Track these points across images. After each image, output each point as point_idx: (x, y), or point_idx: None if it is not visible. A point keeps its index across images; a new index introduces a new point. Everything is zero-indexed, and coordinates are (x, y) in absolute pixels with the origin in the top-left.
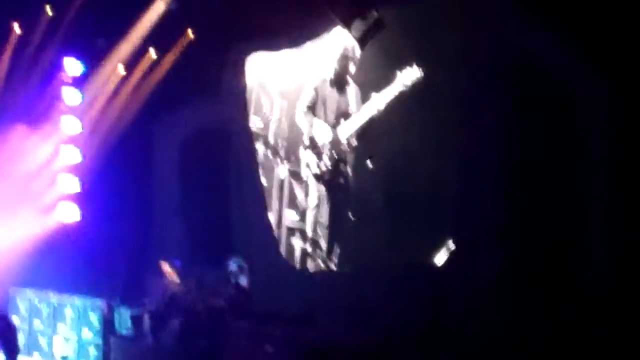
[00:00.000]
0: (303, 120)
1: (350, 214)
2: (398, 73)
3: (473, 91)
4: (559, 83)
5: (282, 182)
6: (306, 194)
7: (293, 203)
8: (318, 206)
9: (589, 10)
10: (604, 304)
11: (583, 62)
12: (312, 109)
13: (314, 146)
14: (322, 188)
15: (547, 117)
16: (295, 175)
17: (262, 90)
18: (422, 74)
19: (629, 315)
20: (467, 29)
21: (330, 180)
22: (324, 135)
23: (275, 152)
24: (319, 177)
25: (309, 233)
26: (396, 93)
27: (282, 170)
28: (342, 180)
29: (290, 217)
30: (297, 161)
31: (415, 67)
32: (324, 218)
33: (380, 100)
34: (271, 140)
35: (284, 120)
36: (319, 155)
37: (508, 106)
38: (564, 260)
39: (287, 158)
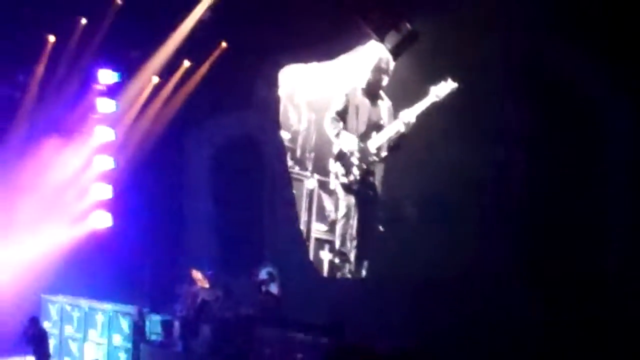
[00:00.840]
0: (330, 127)
1: (379, 226)
2: (432, 87)
3: (503, 104)
4: (585, 95)
5: (311, 193)
6: (335, 206)
7: (321, 215)
8: (347, 217)
9: (616, 27)
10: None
11: (609, 77)
12: (342, 115)
13: (342, 157)
14: (351, 199)
15: (574, 129)
16: (324, 186)
17: (290, 102)
18: (457, 87)
19: None
20: (497, 42)
21: (359, 191)
22: (350, 145)
23: (303, 165)
24: (347, 188)
25: (337, 245)
26: (429, 105)
27: (310, 182)
28: (370, 192)
29: (319, 228)
30: (326, 172)
31: (450, 80)
32: (353, 229)
33: (412, 113)
34: (298, 152)
35: (313, 131)
36: (347, 166)
37: (537, 115)
38: (591, 273)
39: (316, 169)
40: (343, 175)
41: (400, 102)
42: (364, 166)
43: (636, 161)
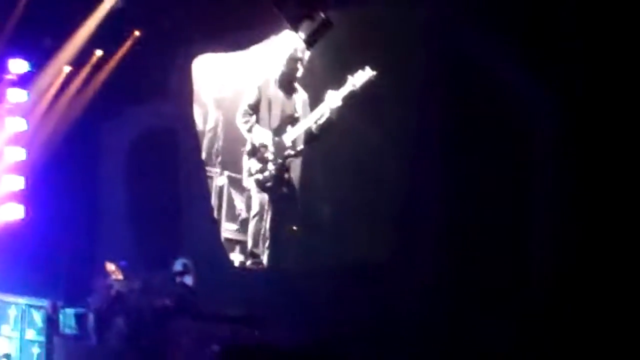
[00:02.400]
0: (241, 122)
1: (293, 226)
2: (349, 77)
3: (420, 95)
4: (505, 90)
5: (220, 191)
6: (247, 205)
7: (232, 214)
8: (259, 215)
9: (537, 19)
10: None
11: (530, 70)
12: (254, 109)
13: (256, 152)
14: (265, 197)
15: (493, 122)
16: (235, 183)
17: (196, 100)
18: (374, 76)
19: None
20: (416, 34)
21: (273, 188)
22: (264, 139)
23: (211, 162)
24: (261, 185)
25: (249, 245)
26: (345, 95)
27: (220, 180)
28: (285, 189)
29: (229, 228)
30: (238, 169)
31: (367, 69)
32: (266, 229)
33: (328, 103)
34: (204, 154)
35: (220, 131)
36: (262, 161)
37: (454, 110)
38: (507, 262)
39: (226, 166)
40: (257, 171)
41: (317, 94)
42: (279, 161)
43: (558, 164)
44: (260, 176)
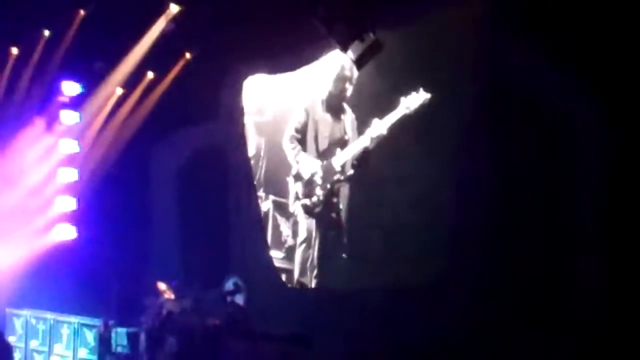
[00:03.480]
0: (289, 148)
1: (342, 254)
2: (402, 99)
3: (470, 117)
4: (554, 111)
5: (265, 216)
6: (294, 231)
7: (277, 240)
8: (307, 242)
9: (590, 43)
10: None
11: (580, 93)
12: (301, 132)
13: (302, 176)
14: (312, 223)
15: (542, 144)
16: (280, 208)
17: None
18: (429, 98)
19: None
20: (466, 54)
21: (321, 214)
22: (312, 168)
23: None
24: (309, 211)
25: (296, 274)
26: (399, 118)
27: (265, 205)
28: (333, 215)
29: (275, 256)
30: (284, 193)
31: (421, 91)
32: (314, 257)
33: (382, 125)
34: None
35: (262, 158)
36: (309, 186)
37: (505, 133)
38: (560, 291)
39: (271, 190)
40: (305, 196)
41: (366, 115)
42: (328, 186)
43: (605, 174)
44: (307, 201)
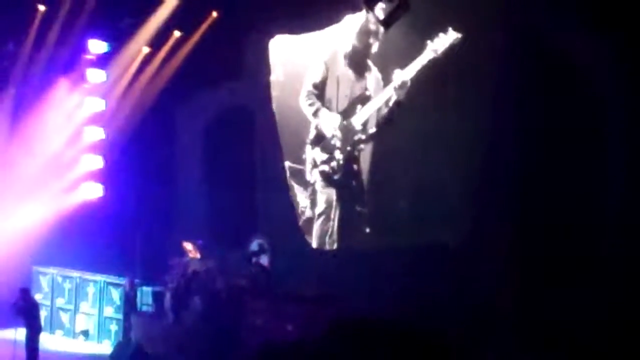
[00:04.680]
0: (306, 104)
1: (365, 227)
2: (428, 42)
3: (497, 73)
4: (582, 65)
5: None
6: (312, 201)
7: None
8: (326, 214)
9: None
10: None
11: (607, 49)
12: (320, 88)
13: (321, 140)
14: (332, 193)
15: (571, 110)
16: (296, 175)
17: None
18: (458, 39)
19: None
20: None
21: (341, 182)
22: (331, 124)
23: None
24: (328, 178)
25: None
26: (425, 63)
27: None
28: (354, 182)
29: None
30: (300, 159)
31: (450, 31)
32: (333, 231)
33: (406, 74)
34: None
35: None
36: (329, 150)
37: (533, 85)
38: (581, 257)
39: (286, 157)
40: (323, 162)
41: (391, 68)
42: (348, 148)
43: (634, 134)
44: (326, 167)
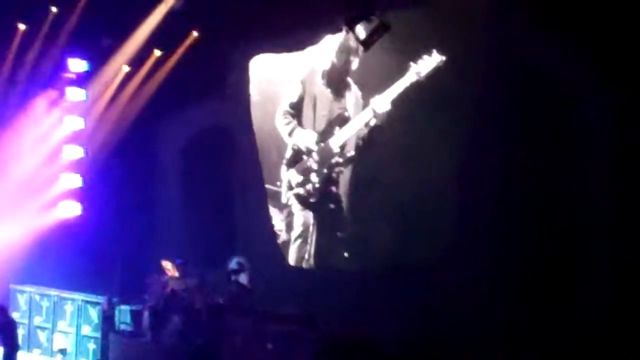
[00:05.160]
0: (282, 124)
1: (343, 252)
2: (411, 64)
3: (481, 93)
4: (562, 87)
5: None
6: (287, 224)
7: None
8: (302, 238)
9: (595, 18)
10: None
11: (589, 71)
12: (296, 108)
13: (297, 161)
14: (309, 215)
15: (549, 120)
16: (272, 197)
17: None
18: (444, 61)
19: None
20: (478, 31)
21: (318, 205)
22: (307, 144)
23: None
24: (304, 201)
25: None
26: (408, 86)
27: None
28: (332, 206)
29: None
30: (275, 181)
31: (434, 53)
32: (310, 256)
33: (385, 98)
34: None
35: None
36: (304, 172)
37: (513, 109)
38: (563, 262)
39: (264, 177)
40: (299, 184)
41: (371, 88)
42: (325, 171)
43: (615, 153)
44: (301, 190)
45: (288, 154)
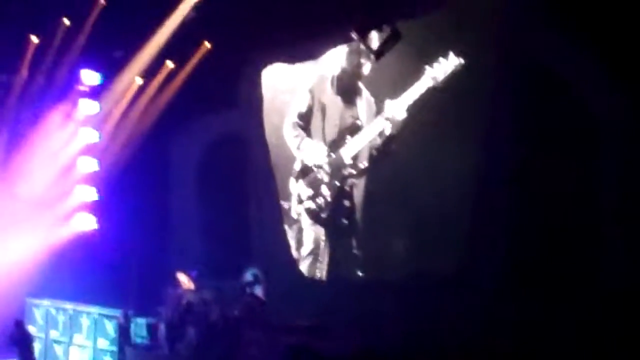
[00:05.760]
0: (291, 136)
1: (357, 270)
2: (426, 67)
3: (495, 98)
4: (578, 94)
5: None
6: (298, 240)
7: None
8: (313, 255)
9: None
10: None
11: (605, 76)
12: (305, 118)
13: (306, 173)
14: (320, 231)
15: (567, 122)
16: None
17: None
18: (462, 64)
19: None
20: (491, 36)
21: (330, 220)
22: (317, 156)
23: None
24: (315, 216)
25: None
26: (423, 93)
27: None
28: (345, 221)
29: None
30: (285, 195)
31: (451, 56)
32: (322, 274)
33: (400, 105)
34: None
35: None
36: (314, 185)
37: (528, 114)
38: (580, 276)
39: None
40: (309, 197)
41: (386, 94)
42: (337, 183)
43: (630, 160)
44: (312, 204)
45: (297, 166)
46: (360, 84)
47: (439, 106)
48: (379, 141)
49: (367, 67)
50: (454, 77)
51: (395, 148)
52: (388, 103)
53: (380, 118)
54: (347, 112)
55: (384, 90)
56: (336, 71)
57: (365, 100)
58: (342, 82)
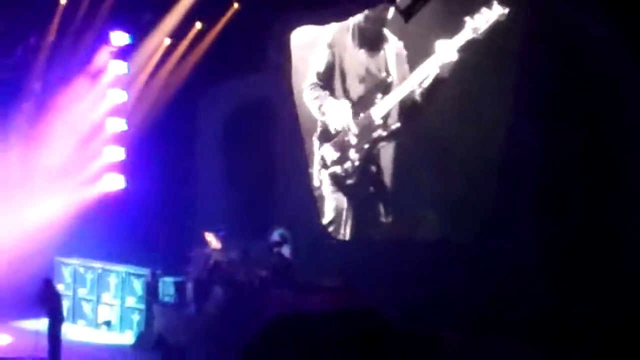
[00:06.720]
0: (310, 98)
1: (382, 235)
2: (467, 19)
3: (521, 64)
4: (605, 64)
5: None
6: (319, 210)
7: None
8: (335, 224)
9: None
10: None
11: (633, 49)
12: (325, 78)
13: (332, 135)
14: (342, 199)
15: (593, 96)
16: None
17: None
18: (505, 15)
19: None
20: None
21: (355, 187)
22: (342, 117)
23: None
24: (339, 182)
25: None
26: (463, 44)
27: None
28: (371, 188)
29: None
30: (309, 160)
31: (495, 5)
32: (345, 237)
33: (437, 58)
34: None
35: None
36: (341, 148)
37: (556, 82)
38: (604, 247)
39: None
40: (334, 162)
41: (418, 43)
42: (366, 146)
43: None
44: (338, 168)
45: (320, 128)
46: (385, 30)
47: (476, 60)
48: (417, 94)
49: (391, 11)
50: (492, 31)
51: (439, 96)
52: (439, 43)
53: (420, 67)
54: (373, 65)
55: (423, 35)
56: (359, 17)
57: (393, 46)
58: (365, 30)
